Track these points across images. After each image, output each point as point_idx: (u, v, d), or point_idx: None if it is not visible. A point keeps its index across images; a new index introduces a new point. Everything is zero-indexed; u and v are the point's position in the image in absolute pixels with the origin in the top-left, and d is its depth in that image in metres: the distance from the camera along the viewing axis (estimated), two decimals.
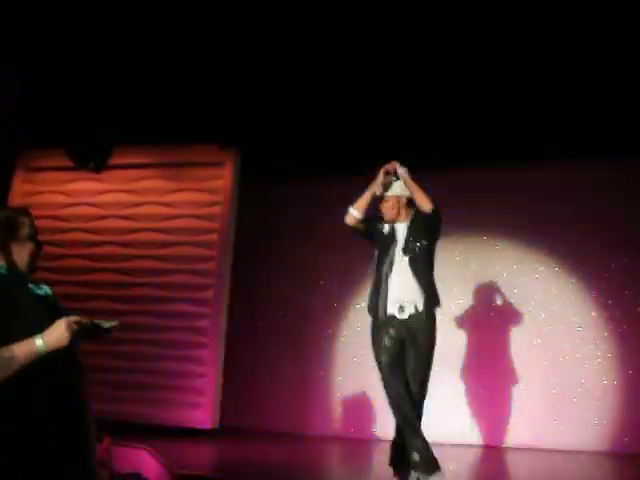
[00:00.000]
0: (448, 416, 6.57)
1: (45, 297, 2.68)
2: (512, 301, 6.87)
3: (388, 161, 4.74)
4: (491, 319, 6.94)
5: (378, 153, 6.82)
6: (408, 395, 4.42)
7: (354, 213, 4.69)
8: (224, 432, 7.06)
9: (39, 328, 2.46)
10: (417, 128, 6.65)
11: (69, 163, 7.55)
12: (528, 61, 5.86)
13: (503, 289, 6.93)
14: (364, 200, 4.69)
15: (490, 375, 6.81)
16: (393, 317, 4.51)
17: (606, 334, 6.62)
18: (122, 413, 6.98)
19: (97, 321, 2.54)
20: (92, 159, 7.38)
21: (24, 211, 2.76)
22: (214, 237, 7.51)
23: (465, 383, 6.80)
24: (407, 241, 4.62)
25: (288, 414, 7.22)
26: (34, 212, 2.79)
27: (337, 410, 7.18)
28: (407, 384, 4.46)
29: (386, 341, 4.51)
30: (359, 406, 7.09)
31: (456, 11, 5.53)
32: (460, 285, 6.97)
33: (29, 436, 2.40)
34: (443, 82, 6.17)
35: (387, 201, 4.72)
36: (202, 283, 7.46)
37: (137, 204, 7.86)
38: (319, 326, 7.38)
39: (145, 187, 7.87)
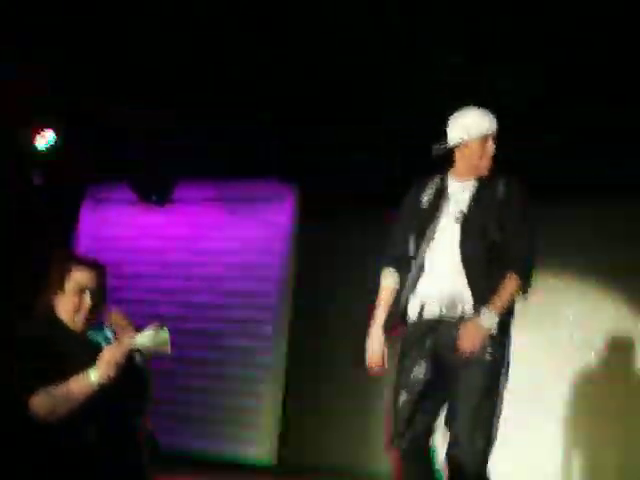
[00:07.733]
0: None
1: (97, 343, 2.67)
2: None
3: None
4: None
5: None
6: None
7: None
8: (282, 468, 6.98)
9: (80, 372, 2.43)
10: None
11: (134, 196, 7.66)
12: None
13: None
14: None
15: None
16: None
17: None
18: (178, 446, 6.93)
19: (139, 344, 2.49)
20: (154, 192, 7.48)
21: (80, 262, 2.72)
22: (274, 272, 7.51)
23: None
24: None
25: (351, 449, 7.04)
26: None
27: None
28: None
29: None
30: None
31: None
32: None
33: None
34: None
35: None
36: (261, 318, 7.45)
37: (199, 238, 7.93)
38: None
39: (206, 221, 7.94)
